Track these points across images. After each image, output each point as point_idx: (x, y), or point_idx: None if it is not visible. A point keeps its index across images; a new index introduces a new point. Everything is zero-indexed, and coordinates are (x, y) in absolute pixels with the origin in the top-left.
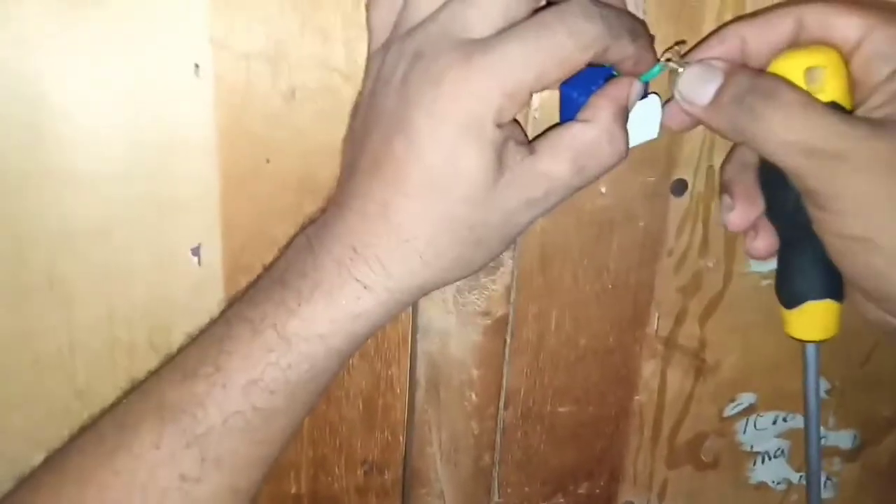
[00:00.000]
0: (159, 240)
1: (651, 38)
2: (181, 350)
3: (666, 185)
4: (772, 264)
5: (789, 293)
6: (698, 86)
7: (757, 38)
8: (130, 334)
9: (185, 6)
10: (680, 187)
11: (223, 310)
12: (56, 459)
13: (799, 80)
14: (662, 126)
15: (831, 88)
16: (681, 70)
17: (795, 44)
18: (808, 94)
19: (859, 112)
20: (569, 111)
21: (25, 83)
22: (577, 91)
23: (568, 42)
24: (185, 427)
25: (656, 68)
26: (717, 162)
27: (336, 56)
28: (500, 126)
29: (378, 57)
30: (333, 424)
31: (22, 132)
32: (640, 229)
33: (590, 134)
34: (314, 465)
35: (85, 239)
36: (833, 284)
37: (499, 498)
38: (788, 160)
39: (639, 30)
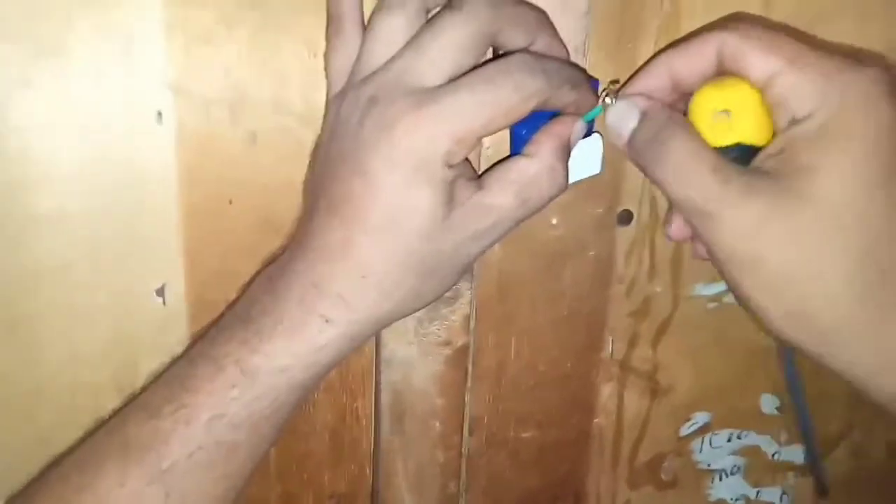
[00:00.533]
0: (123, 279)
1: (591, 82)
2: (144, 389)
3: (613, 215)
4: (717, 287)
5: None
6: (620, 124)
7: (683, 68)
8: (95, 375)
9: (143, 54)
10: (626, 217)
11: (186, 349)
12: (25, 498)
13: (709, 119)
14: (604, 162)
15: (739, 128)
16: (610, 103)
17: (719, 72)
18: (698, 146)
19: (759, 158)
20: (517, 146)
21: None
22: (525, 129)
23: (513, 95)
24: (150, 464)
25: (597, 109)
26: (660, 193)
27: (294, 101)
28: (450, 166)
29: (336, 103)
30: (300, 459)
31: None
32: (591, 258)
33: (533, 168)
34: (282, 500)
35: (47, 279)
36: None
37: None
38: (678, 208)
39: (578, 78)
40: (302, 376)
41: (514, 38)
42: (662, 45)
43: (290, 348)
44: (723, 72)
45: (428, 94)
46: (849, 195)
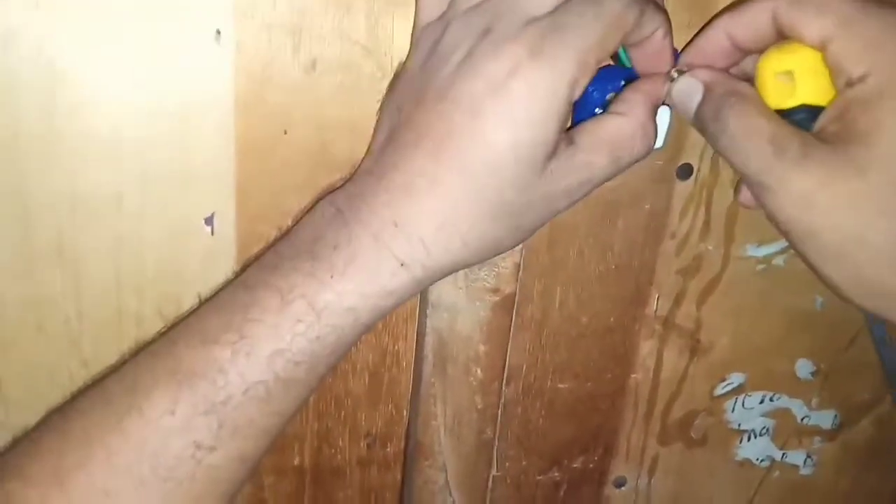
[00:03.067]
0: (172, 208)
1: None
2: (194, 314)
3: (672, 168)
4: (767, 249)
5: None
6: (685, 99)
7: (741, 33)
8: (139, 304)
9: None
10: (685, 171)
11: (240, 274)
12: (57, 421)
13: (773, 83)
14: (668, 138)
15: (801, 90)
16: (675, 77)
17: (780, 35)
18: (757, 116)
19: (822, 121)
20: (585, 105)
21: (39, 47)
22: (594, 86)
23: (616, 6)
24: (204, 394)
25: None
26: None
27: (358, 29)
28: (567, 107)
29: (434, 30)
30: (339, 397)
31: (34, 96)
32: (646, 211)
33: (627, 127)
34: (318, 437)
35: (95, 206)
36: None
37: (497, 471)
38: (743, 179)
39: (664, 11)
40: (367, 318)
41: None
42: None
43: (361, 289)
44: (782, 37)
45: (546, 23)
46: None
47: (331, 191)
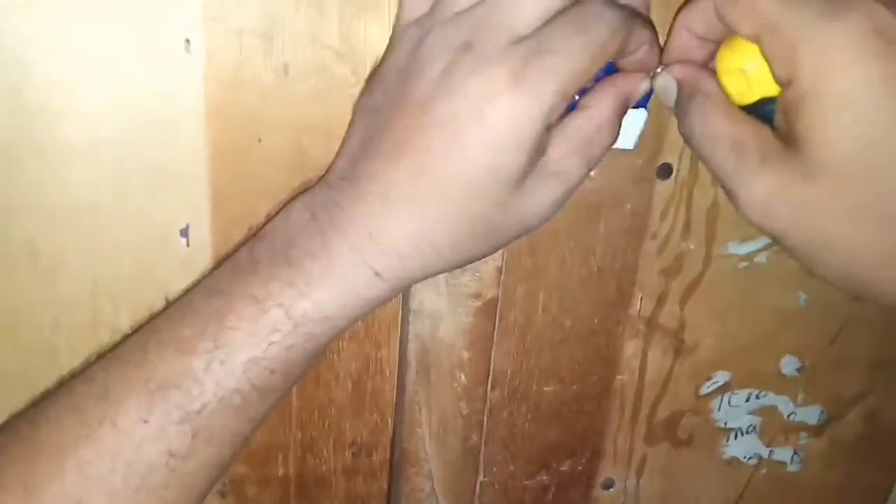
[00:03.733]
0: (147, 216)
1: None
2: (165, 319)
3: (652, 168)
4: (749, 246)
5: None
6: (665, 96)
7: (697, 26)
8: (115, 312)
9: None
10: (665, 171)
11: (212, 278)
12: (25, 429)
13: (732, 79)
14: (640, 140)
15: (755, 85)
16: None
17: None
18: (720, 120)
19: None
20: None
21: (11, 53)
22: None
23: (604, 31)
24: (178, 403)
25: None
26: None
27: (330, 33)
28: (543, 131)
29: (413, 34)
30: (322, 406)
31: (6, 103)
32: (626, 213)
33: (593, 121)
34: (302, 447)
35: (70, 213)
36: None
37: (484, 477)
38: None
39: (647, 19)
40: (342, 325)
41: None
42: None
43: (337, 299)
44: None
45: (529, 46)
46: (849, 156)
47: (311, 187)
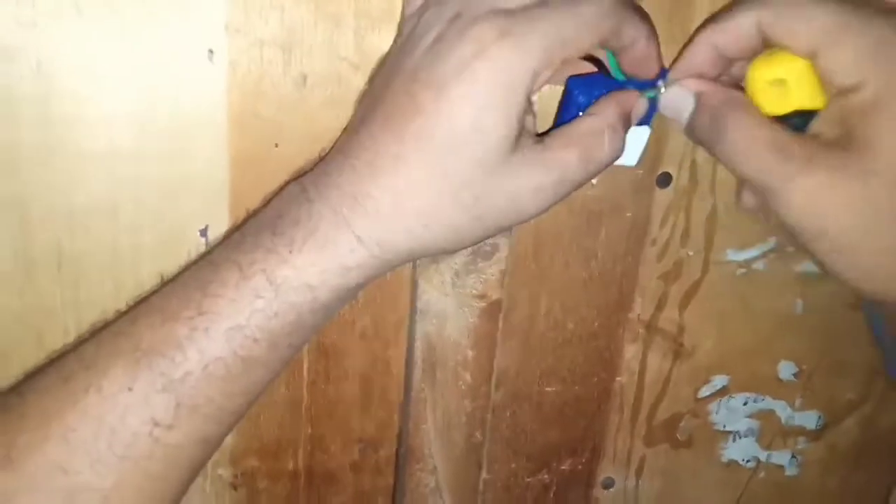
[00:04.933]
0: (167, 220)
1: (661, 71)
2: (157, 292)
3: (652, 177)
4: (747, 253)
5: None
6: (676, 109)
7: (727, 44)
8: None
9: None
10: (665, 180)
11: (205, 253)
12: (12, 400)
13: (766, 90)
14: (643, 157)
15: (795, 96)
16: (663, 90)
17: (767, 43)
18: (756, 123)
19: (818, 123)
20: (569, 108)
21: (37, 63)
22: (580, 90)
23: (594, 10)
24: (162, 370)
25: (652, 93)
26: (700, 157)
27: (346, 45)
28: (528, 96)
29: (413, 19)
30: (331, 403)
31: (32, 110)
32: (627, 220)
33: (597, 125)
34: (311, 442)
35: (93, 217)
36: None
37: (488, 473)
38: (747, 184)
39: (646, 17)
40: (326, 298)
41: None
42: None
43: (319, 264)
44: (768, 45)
45: (516, 15)
46: None
47: (310, 168)
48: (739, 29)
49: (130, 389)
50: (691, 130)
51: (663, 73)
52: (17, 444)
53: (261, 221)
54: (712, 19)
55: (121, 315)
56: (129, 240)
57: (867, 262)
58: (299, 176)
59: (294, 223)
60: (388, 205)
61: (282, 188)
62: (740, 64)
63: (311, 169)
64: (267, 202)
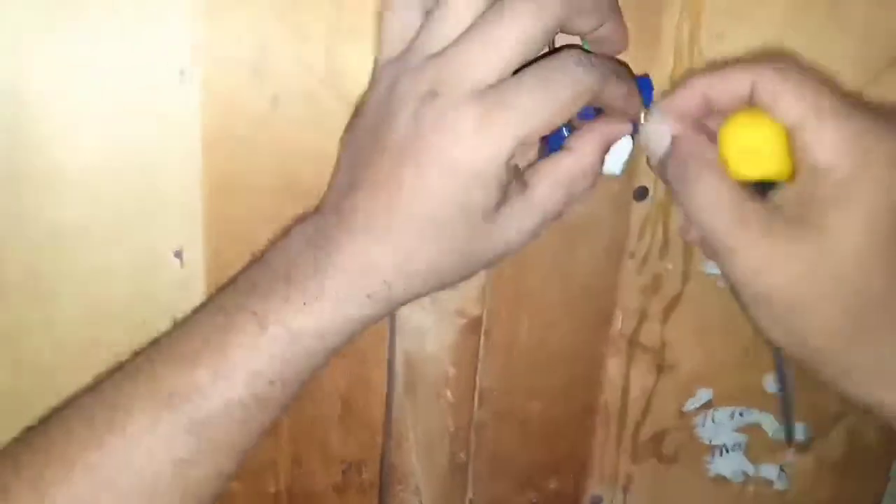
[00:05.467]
0: (142, 240)
1: (642, 80)
2: (170, 337)
3: (629, 191)
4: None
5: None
6: (653, 144)
7: (718, 93)
8: (112, 333)
9: (170, 12)
10: (642, 193)
11: (214, 298)
12: (36, 439)
13: (737, 152)
14: (626, 167)
15: (764, 166)
16: (642, 122)
17: (752, 103)
18: (721, 184)
19: (781, 193)
20: (556, 138)
21: (9, 86)
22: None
23: (569, 90)
24: (185, 412)
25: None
26: None
27: (318, 64)
28: (511, 168)
29: (389, 73)
30: (313, 423)
31: (5, 134)
32: (605, 233)
33: (578, 165)
34: (293, 463)
35: (66, 238)
36: None
37: (473, 494)
38: (702, 233)
39: (624, 73)
40: (336, 341)
41: (582, 24)
42: (685, 22)
43: (332, 315)
44: (755, 103)
45: (492, 97)
46: (857, 251)
47: (300, 218)
48: (734, 82)
49: (154, 430)
50: (662, 170)
51: (646, 82)
52: (43, 478)
53: (271, 270)
54: (709, 70)
55: (135, 357)
56: (104, 261)
57: (810, 335)
58: (298, 223)
59: (304, 275)
60: (390, 271)
61: (285, 236)
62: (719, 117)
63: (311, 217)
64: (269, 249)
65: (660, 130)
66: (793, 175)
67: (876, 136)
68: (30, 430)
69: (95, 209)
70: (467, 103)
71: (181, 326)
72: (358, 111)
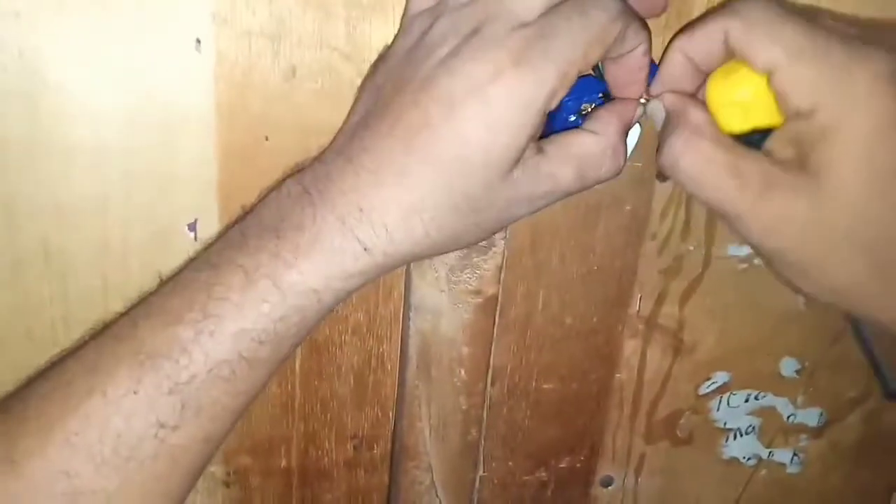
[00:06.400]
0: (156, 214)
1: (651, 66)
2: (155, 294)
3: (652, 170)
4: (748, 248)
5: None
6: (655, 114)
7: (696, 53)
8: (125, 308)
9: None
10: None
11: (202, 254)
12: (14, 406)
13: (724, 108)
14: (634, 153)
15: (751, 116)
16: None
17: (729, 56)
18: (713, 149)
19: (774, 141)
20: (559, 113)
21: (22, 56)
22: (569, 97)
23: (603, 18)
24: (167, 373)
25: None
26: None
27: (337, 35)
28: (544, 114)
29: (423, 20)
30: (324, 400)
31: (18, 105)
32: (627, 213)
33: (598, 146)
34: (305, 439)
35: (81, 212)
36: None
37: (484, 471)
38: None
39: (648, 29)
40: (329, 300)
41: None
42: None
43: (324, 271)
44: (732, 56)
45: (532, 31)
46: (858, 189)
47: (297, 167)
48: (708, 38)
49: (136, 393)
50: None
51: (654, 68)
52: (18, 448)
53: (262, 222)
54: (684, 29)
55: (119, 317)
56: (118, 234)
57: (833, 282)
58: (296, 172)
59: (298, 228)
60: (394, 217)
61: (279, 184)
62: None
63: (310, 165)
64: (263, 198)
65: (657, 106)
66: (781, 120)
67: (858, 65)
68: (10, 397)
69: (110, 183)
70: (509, 36)
71: (166, 284)
72: (381, 58)
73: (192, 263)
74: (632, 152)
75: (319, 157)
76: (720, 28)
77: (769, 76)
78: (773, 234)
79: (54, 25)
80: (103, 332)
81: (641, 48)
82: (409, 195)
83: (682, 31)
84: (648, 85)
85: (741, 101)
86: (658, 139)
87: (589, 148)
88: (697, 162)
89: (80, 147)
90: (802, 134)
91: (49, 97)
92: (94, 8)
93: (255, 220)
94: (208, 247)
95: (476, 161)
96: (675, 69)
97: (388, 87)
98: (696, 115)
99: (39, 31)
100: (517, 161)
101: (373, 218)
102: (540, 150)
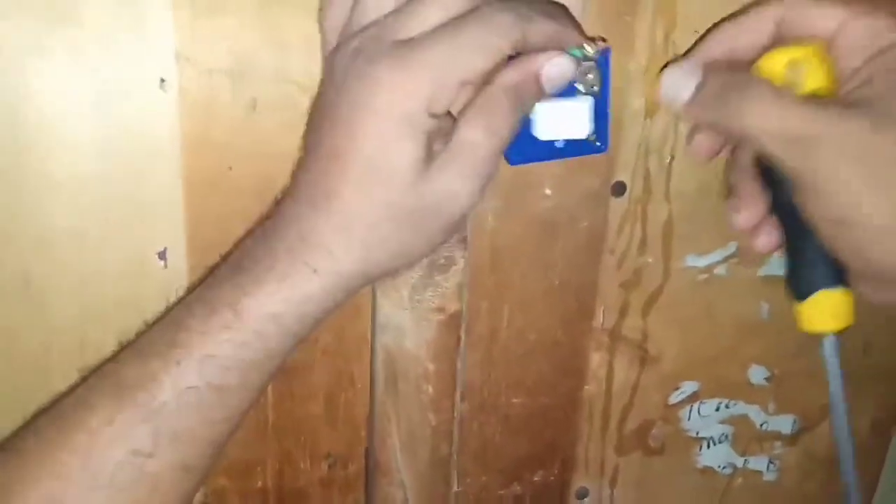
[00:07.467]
0: (128, 243)
1: (574, 22)
2: (139, 334)
3: (606, 187)
4: (708, 259)
5: (799, 284)
6: (679, 85)
7: (741, 41)
8: (101, 333)
9: (151, 23)
10: (619, 188)
11: (183, 296)
12: (13, 442)
13: (780, 76)
14: (608, 136)
15: (811, 80)
16: (590, 52)
17: (780, 41)
18: (780, 87)
19: (839, 96)
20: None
21: (4, 98)
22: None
23: (483, 32)
24: (140, 403)
25: (577, 51)
26: (654, 166)
27: (295, 69)
28: (433, 116)
29: (330, 60)
30: (298, 420)
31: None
32: (584, 229)
33: (492, 91)
34: (279, 459)
35: (59, 242)
36: (844, 273)
37: (458, 487)
38: (768, 147)
39: (555, 12)
40: (292, 325)
41: None
42: (658, 20)
43: (281, 293)
44: (780, 43)
45: (406, 45)
46: None
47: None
48: (757, 24)
49: (111, 423)
50: (697, 105)
51: (606, 52)
52: (14, 481)
53: (229, 262)
54: (728, 19)
55: (109, 357)
56: (94, 261)
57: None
58: (262, 221)
59: (255, 261)
60: (332, 237)
61: (248, 233)
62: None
63: (272, 207)
64: (236, 246)
65: (682, 74)
66: (835, 89)
67: None
68: (12, 434)
69: (85, 214)
70: (387, 51)
71: (151, 325)
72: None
73: (172, 307)
74: (599, 126)
75: (276, 202)
76: (773, 13)
77: (832, 40)
78: (859, 157)
79: (32, 65)
80: (94, 370)
81: (552, 38)
82: (339, 215)
83: (721, 22)
84: (604, 82)
85: (799, 63)
86: (693, 96)
87: (485, 97)
88: (768, 96)
89: (57, 180)
90: (880, 69)
91: (28, 131)
92: (68, 48)
93: (224, 264)
94: (189, 292)
95: (383, 170)
96: (713, 54)
97: (310, 124)
98: (748, 73)
99: (18, 70)
100: (425, 160)
101: (313, 242)
102: (451, 131)
